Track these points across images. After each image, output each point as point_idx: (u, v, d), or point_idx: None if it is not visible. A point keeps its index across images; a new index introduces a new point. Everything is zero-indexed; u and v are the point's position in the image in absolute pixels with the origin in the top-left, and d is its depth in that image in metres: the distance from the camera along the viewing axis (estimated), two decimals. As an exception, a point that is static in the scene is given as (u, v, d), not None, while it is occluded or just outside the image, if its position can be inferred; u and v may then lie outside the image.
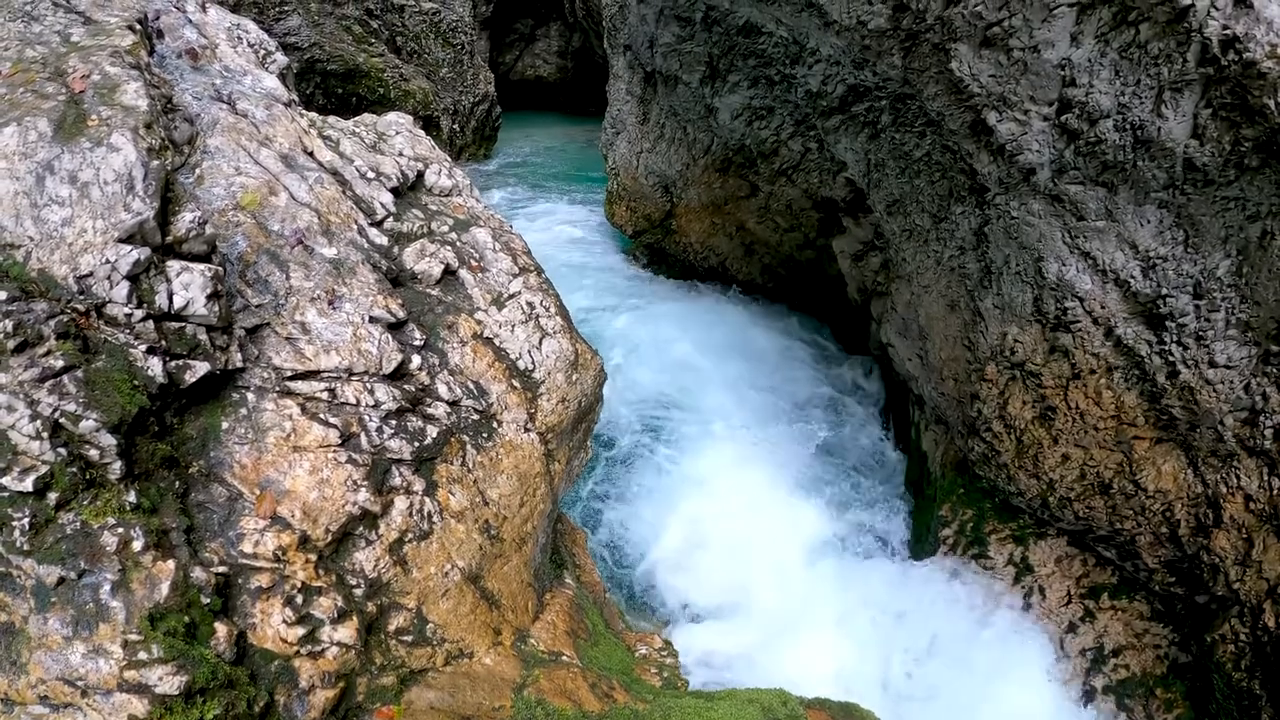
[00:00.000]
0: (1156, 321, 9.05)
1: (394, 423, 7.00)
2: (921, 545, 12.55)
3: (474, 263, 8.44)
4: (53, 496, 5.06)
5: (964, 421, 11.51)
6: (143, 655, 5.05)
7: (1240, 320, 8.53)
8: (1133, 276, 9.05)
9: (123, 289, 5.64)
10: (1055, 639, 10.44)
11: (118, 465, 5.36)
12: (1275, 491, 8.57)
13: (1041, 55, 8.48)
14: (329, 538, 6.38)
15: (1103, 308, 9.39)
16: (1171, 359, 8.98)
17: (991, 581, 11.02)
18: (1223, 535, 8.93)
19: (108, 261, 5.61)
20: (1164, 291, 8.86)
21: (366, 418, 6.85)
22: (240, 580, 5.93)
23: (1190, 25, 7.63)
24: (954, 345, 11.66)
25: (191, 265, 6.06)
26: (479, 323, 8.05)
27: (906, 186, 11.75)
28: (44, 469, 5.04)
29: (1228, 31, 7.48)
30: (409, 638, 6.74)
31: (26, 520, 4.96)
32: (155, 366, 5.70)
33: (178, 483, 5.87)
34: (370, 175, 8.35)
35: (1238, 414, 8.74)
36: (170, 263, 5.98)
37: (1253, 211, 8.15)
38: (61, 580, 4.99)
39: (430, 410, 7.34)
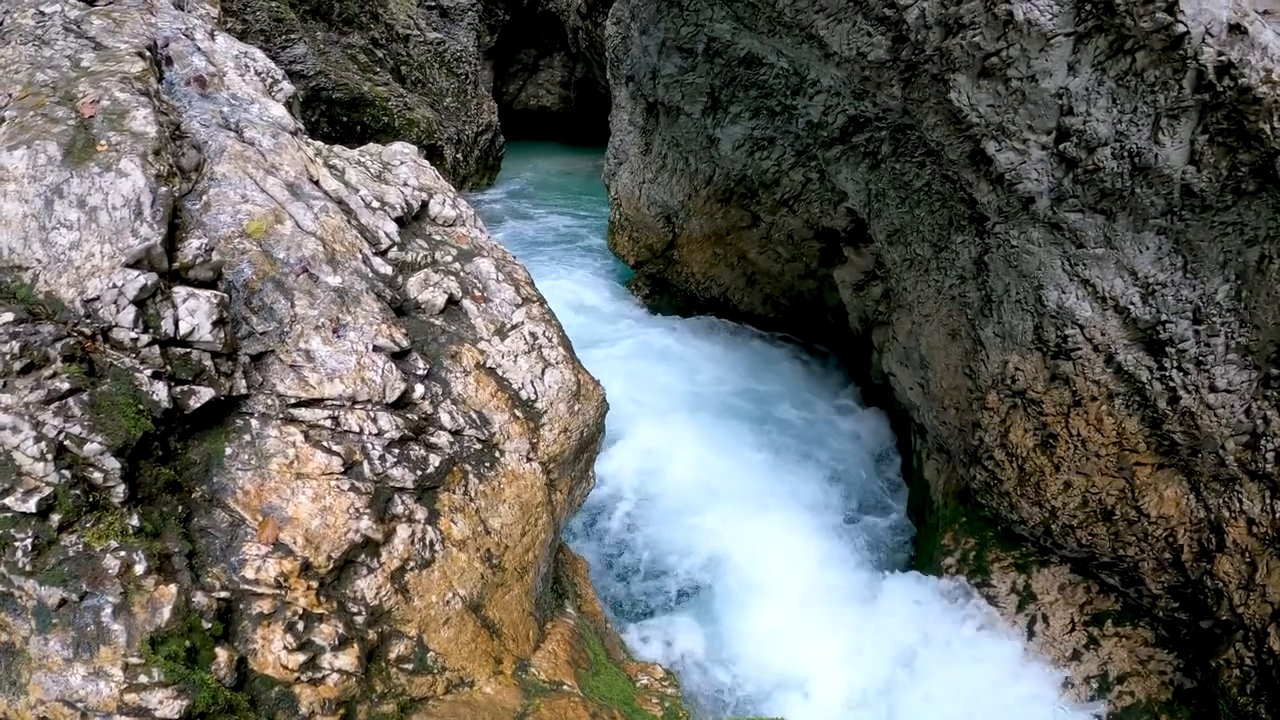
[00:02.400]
0: (1157, 347, 9.07)
1: (397, 451, 7.01)
2: (925, 574, 12.49)
3: (477, 293, 8.48)
4: (55, 518, 5.08)
5: (966, 450, 11.50)
6: (143, 679, 5.04)
7: (1240, 344, 8.56)
8: (1132, 303, 9.09)
9: (129, 313, 5.68)
10: (1060, 667, 10.37)
11: (121, 489, 5.38)
12: (1278, 515, 8.55)
13: (1039, 84, 8.57)
14: (331, 565, 6.38)
15: (1103, 335, 9.42)
16: (1172, 384, 9.00)
17: (994, 610, 10.98)
18: (1226, 560, 8.90)
19: (115, 286, 5.65)
20: (1164, 317, 8.89)
21: (369, 446, 6.86)
22: (242, 606, 5.93)
23: (1186, 52, 7.72)
24: (955, 374, 11.68)
25: (198, 291, 6.11)
26: (482, 352, 8.07)
27: (907, 216, 11.82)
28: (47, 490, 5.06)
29: (1223, 58, 7.57)
30: (410, 666, 6.71)
31: (29, 541, 4.97)
32: (160, 391, 5.74)
33: (180, 507, 5.88)
34: (375, 205, 8.40)
35: (1239, 438, 8.74)
36: (177, 288, 6.03)
37: (1250, 236, 8.21)
38: (63, 602, 4.99)
39: (433, 439, 7.35)
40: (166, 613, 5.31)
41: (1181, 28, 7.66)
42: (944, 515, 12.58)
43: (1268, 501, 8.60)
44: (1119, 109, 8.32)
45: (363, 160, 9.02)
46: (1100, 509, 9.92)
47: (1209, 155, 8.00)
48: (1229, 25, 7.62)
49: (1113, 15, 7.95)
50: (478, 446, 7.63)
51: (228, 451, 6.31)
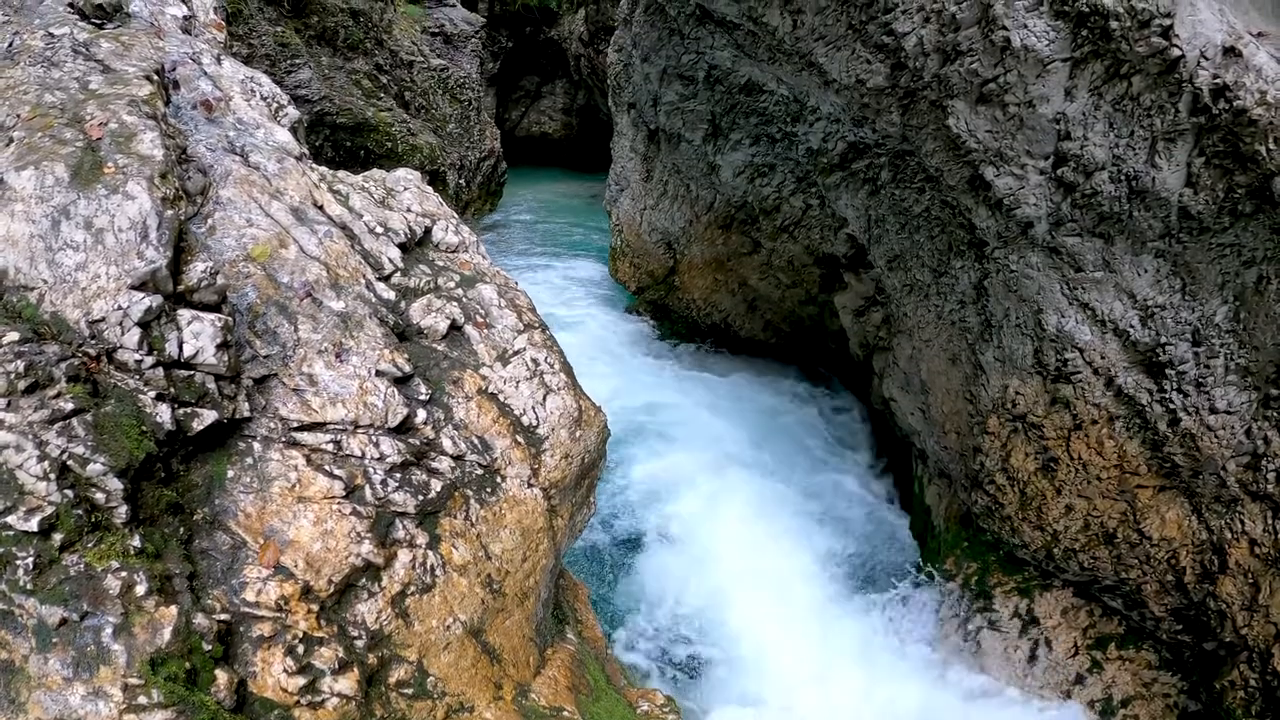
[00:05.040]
0: (1156, 370, 9.09)
1: (398, 476, 7.00)
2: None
3: (480, 319, 8.49)
4: (57, 537, 5.07)
5: (967, 475, 11.49)
6: (142, 699, 5.02)
7: (1239, 365, 8.58)
8: (1132, 326, 9.11)
9: (134, 335, 5.70)
10: (1063, 692, 10.32)
11: (123, 509, 5.38)
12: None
13: (1037, 110, 8.64)
14: (331, 589, 6.35)
15: (1103, 358, 9.44)
16: (1172, 406, 9.01)
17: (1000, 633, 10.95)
18: (1228, 581, 8.87)
19: (120, 308, 5.68)
20: (1163, 340, 8.91)
21: (371, 470, 6.85)
22: (242, 628, 5.90)
23: (1181, 76, 7.78)
24: (956, 399, 11.68)
25: (202, 314, 6.13)
26: (484, 378, 8.06)
27: (906, 242, 11.87)
28: (50, 510, 5.06)
29: (1218, 80, 7.64)
30: (409, 690, 6.67)
31: (30, 560, 4.96)
32: (164, 413, 5.74)
33: (182, 529, 5.87)
34: (379, 230, 8.43)
35: (1240, 459, 8.74)
36: (181, 311, 6.05)
37: (1248, 257, 8.24)
38: (63, 621, 4.97)
39: (434, 464, 7.34)
40: (167, 634, 5.29)
41: (1177, 51, 7.73)
42: (946, 540, 12.54)
43: (1269, 522, 8.59)
44: (1116, 133, 8.38)
45: (366, 186, 9.05)
46: (1102, 532, 9.90)
47: (1206, 177, 8.05)
48: (1224, 48, 7.69)
49: (1109, 40, 8.03)
50: (479, 472, 7.62)
51: (230, 474, 6.31)
